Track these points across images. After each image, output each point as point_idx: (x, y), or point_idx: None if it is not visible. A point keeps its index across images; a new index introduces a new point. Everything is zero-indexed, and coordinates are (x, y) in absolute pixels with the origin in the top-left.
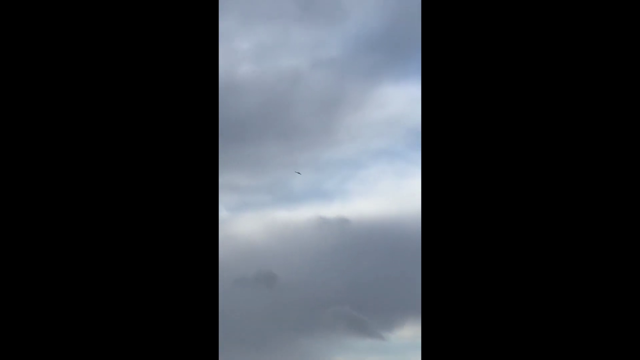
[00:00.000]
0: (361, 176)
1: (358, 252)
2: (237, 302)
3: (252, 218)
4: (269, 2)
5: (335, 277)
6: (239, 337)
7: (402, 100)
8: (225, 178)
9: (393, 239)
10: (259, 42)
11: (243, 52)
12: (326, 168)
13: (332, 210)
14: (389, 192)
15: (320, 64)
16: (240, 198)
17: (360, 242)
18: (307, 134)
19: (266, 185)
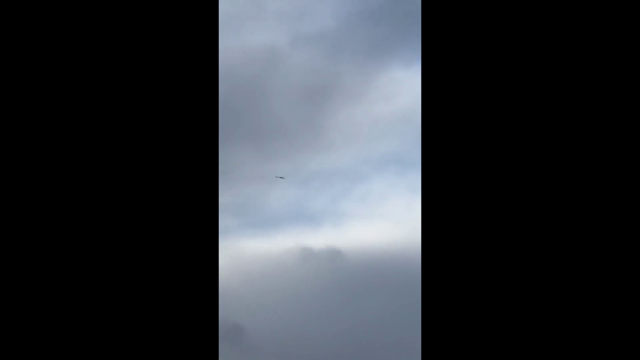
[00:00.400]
0: (360, 192)
1: (353, 296)
2: None
3: None
4: None
5: (323, 330)
6: None
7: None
8: None
9: (401, 279)
10: (223, 13)
11: None
12: (312, 181)
13: (320, 238)
14: (397, 213)
15: (304, 39)
16: None
17: (356, 282)
18: (287, 134)
19: (231, 205)
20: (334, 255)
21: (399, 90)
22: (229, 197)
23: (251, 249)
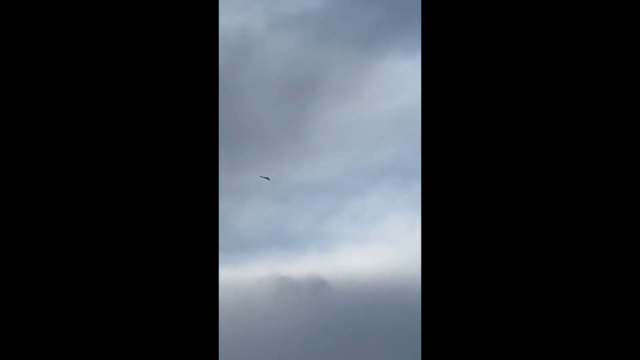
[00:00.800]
0: (351, 210)
1: (340, 338)
2: None
3: None
4: None
5: None
6: None
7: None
8: None
9: (401, 316)
10: None
11: None
12: (293, 197)
13: (301, 266)
14: (397, 235)
15: (284, 23)
16: None
17: (344, 320)
18: (263, 138)
19: None
20: (317, 287)
21: (399, 84)
22: None
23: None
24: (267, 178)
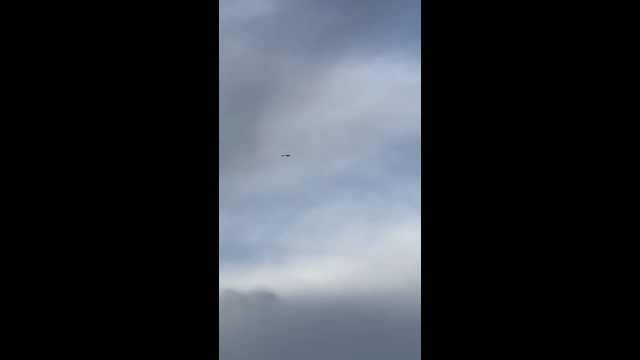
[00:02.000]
0: (306, 222)
1: (289, 351)
2: None
3: None
4: None
5: None
6: None
7: (379, 88)
8: None
9: (356, 330)
10: None
11: None
12: (246, 209)
13: (250, 279)
14: (354, 248)
15: (235, 28)
16: None
17: (293, 336)
18: None
19: None
20: (265, 300)
21: (356, 91)
22: None
23: None
24: (287, 155)
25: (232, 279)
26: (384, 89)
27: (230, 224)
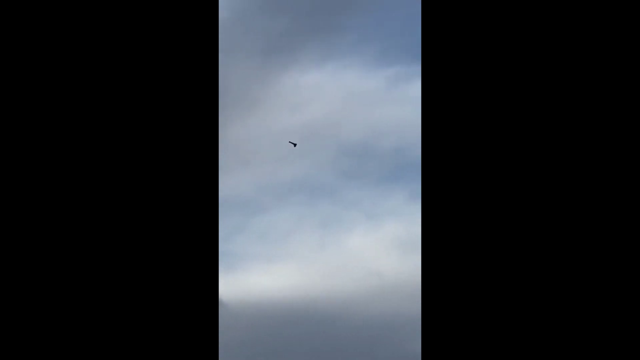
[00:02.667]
0: (258, 228)
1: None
2: None
3: None
4: None
5: None
6: None
7: (331, 94)
8: None
9: (307, 338)
10: None
11: None
12: None
13: None
14: (306, 254)
15: None
16: None
17: (245, 342)
18: None
19: None
20: None
21: (308, 97)
22: None
23: None
24: (294, 144)
25: None
26: (334, 95)
27: None
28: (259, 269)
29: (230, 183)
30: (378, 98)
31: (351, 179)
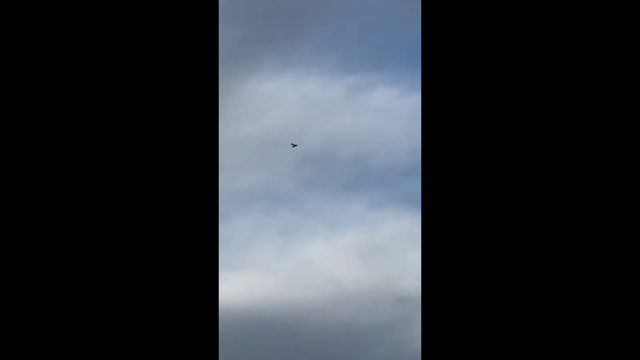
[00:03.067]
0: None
1: None
2: None
3: None
4: None
5: None
6: None
7: (291, 102)
8: None
9: (270, 346)
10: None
11: None
12: None
13: None
14: (266, 263)
15: None
16: None
17: None
18: None
19: None
20: None
21: (268, 105)
22: None
23: None
24: (295, 145)
25: None
26: (294, 104)
27: None
28: (220, 277)
29: None
30: (338, 106)
31: (311, 188)
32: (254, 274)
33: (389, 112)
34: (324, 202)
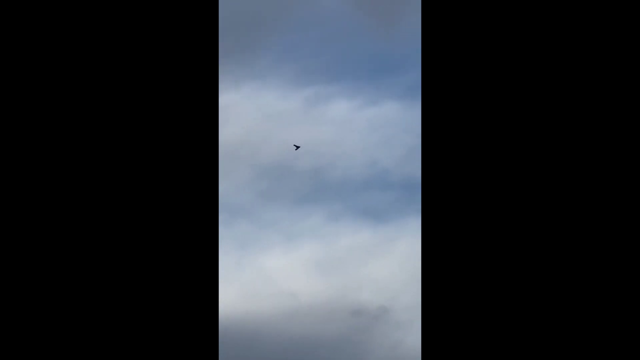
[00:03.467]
0: None
1: None
2: None
3: None
4: None
5: None
6: None
7: (252, 115)
8: None
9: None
10: None
11: None
12: None
13: None
14: (223, 275)
15: None
16: None
17: None
18: None
19: None
20: None
21: (226, 117)
22: None
23: None
24: (298, 146)
25: None
26: (253, 116)
27: None
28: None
29: None
30: (296, 118)
31: (269, 199)
32: None
33: (347, 124)
34: (282, 214)
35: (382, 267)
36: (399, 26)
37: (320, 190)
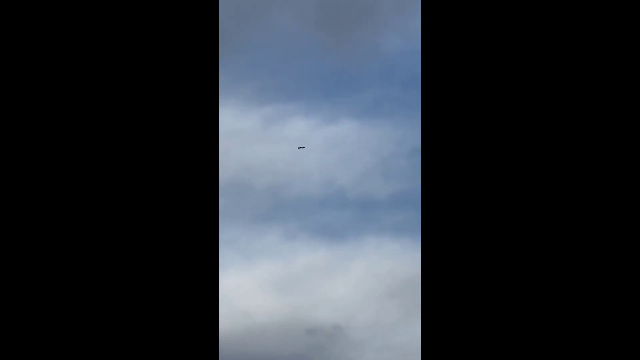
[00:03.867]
0: None
1: None
2: None
3: None
4: None
5: None
6: None
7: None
8: None
9: None
10: None
11: None
12: None
13: None
14: None
15: None
16: None
17: None
18: None
19: None
20: None
21: None
22: None
23: None
24: (302, 147)
25: None
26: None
27: None
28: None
29: None
30: (253, 137)
31: (226, 218)
32: None
33: (304, 143)
34: (239, 232)
35: (338, 286)
36: (356, 44)
37: (277, 208)
